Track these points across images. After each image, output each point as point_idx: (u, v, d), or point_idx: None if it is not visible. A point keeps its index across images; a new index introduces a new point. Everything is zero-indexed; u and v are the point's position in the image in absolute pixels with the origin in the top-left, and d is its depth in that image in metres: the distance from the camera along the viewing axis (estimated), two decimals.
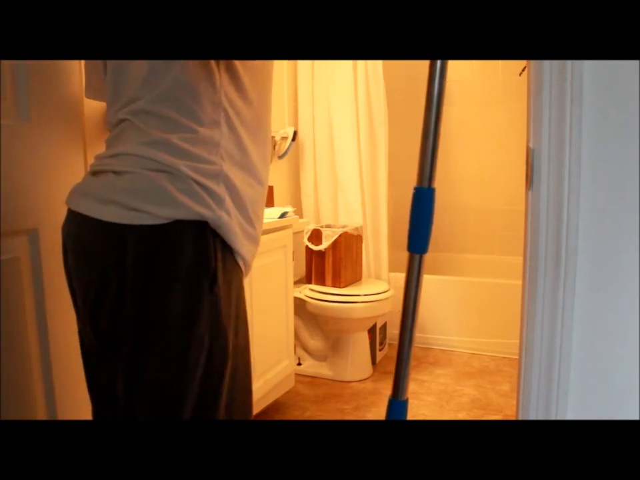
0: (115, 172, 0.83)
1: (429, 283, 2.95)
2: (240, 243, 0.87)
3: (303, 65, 2.88)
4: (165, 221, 0.78)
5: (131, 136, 0.84)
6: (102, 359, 0.87)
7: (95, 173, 0.86)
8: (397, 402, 0.85)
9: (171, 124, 0.82)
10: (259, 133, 0.93)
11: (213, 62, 0.83)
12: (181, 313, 0.80)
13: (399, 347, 0.86)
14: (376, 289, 2.51)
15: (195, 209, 0.79)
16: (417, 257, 0.81)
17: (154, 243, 0.79)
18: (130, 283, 0.79)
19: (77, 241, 0.85)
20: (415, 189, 0.79)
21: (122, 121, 0.86)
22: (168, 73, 0.82)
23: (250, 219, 0.91)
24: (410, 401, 2.30)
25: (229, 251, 0.85)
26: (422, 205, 0.79)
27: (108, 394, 0.87)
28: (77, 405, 1.16)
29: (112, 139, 0.89)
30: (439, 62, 0.74)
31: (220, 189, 0.83)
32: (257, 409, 1.93)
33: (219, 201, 0.82)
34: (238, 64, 0.86)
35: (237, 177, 0.87)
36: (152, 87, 0.83)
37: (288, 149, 2.68)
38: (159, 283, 0.79)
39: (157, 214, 0.78)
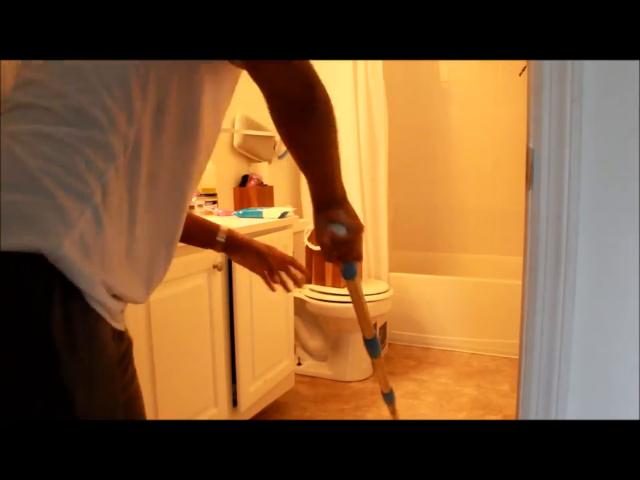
0: None
1: (429, 282, 2.95)
2: (92, 285, 0.64)
3: None
4: None
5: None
6: None
7: None
8: None
9: (60, 117, 0.66)
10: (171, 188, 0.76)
11: (138, 98, 0.70)
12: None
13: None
14: (376, 288, 2.51)
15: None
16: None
17: None
18: None
19: None
20: None
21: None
22: (95, 71, 0.69)
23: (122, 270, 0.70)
24: (410, 401, 2.31)
25: (76, 293, 0.63)
26: None
27: None
28: None
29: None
30: None
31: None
32: (257, 409, 1.94)
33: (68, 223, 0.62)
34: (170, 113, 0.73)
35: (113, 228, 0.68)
36: (73, 79, 0.68)
37: None
38: None
39: None
